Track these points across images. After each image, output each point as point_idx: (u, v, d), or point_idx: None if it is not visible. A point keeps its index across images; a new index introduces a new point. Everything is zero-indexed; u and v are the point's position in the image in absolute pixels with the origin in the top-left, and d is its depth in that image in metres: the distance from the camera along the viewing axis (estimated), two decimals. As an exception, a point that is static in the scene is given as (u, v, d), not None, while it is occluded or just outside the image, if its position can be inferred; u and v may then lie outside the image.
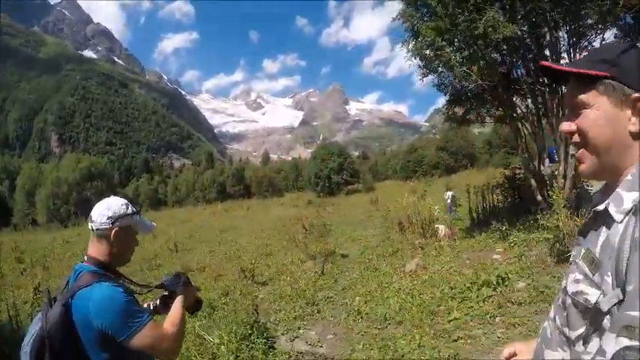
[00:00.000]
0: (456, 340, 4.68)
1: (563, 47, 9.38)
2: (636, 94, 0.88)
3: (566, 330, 0.96)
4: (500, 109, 11.17)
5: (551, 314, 1.06)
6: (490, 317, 5.14)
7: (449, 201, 15.37)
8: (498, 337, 4.56)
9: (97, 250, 1.74)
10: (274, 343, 5.60)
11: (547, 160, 9.95)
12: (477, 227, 11.36)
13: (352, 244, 13.58)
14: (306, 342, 5.77)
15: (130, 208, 1.81)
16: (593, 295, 0.87)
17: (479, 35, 8.07)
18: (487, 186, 13.74)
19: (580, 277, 0.92)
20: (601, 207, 0.92)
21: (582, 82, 0.93)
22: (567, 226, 6.12)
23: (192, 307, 2.03)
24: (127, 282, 1.81)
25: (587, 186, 9.77)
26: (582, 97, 0.93)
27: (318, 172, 52.56)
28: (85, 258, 1.74)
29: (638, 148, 0.89)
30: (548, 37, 9.19)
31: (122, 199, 1.83)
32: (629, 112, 0.89)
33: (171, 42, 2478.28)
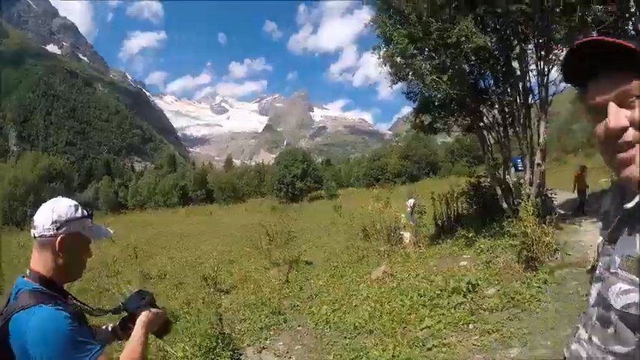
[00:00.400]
0: (430, 349, 4.58)
1: (532, 60, 9.66)
2: None
3: (616, 348, 0.82)
4: (468, 118, 11.36)
5: (583, 335, 0.93)
6: (463, 324, 5.09)
7: (409, 209, 15.47)
8: (474, 345, 4.50)
9: (39, 262, 1.43)
10: (240, 355, 5.33)
11: (512, 169, 10.18)
12: (442, 234, 11.49)
13: (316, 251, 13.46)
14: (274, 353, 5.54)
15: (79, 210, 1.49)
16: None
17: (451, 44, 8.17)
18: (451, 194, 13.91)
19: (628, 287, 0.79)
20: (631, 203, 0.80)
21: (625, 70, 0.77)
22: (536, 232, 6.16)
23: (161, 330, 1.71)
24: (75, 304, 1.50)
25: (551, 194, 10.09)
26: (630, 83, 0.76)
27: (282, 178, 52.36)
28: (27, 272, 1.43)
29: None
30: (517, 50, 9.44)
31: (71, 201, 1.52)
32: None
33: (138, 41, 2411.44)
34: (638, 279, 0.78)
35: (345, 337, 5.67)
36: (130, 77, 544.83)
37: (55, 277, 1.42)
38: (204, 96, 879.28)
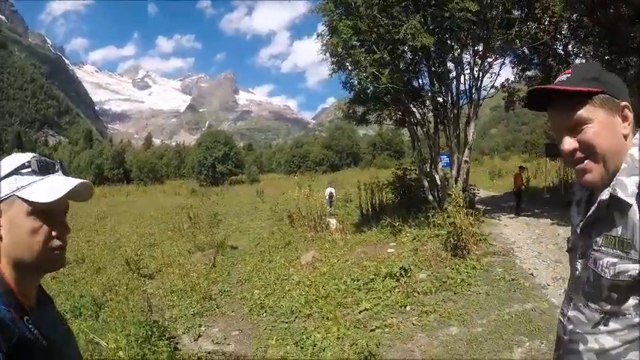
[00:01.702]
0: (373, 330, 4.77)
1: (468, 64, 10.37)
2: (623, 102, 1.05)
3: (609, 307, 1.07)
4: (400, 113, 11.84)
5: (579, 302, 1.16)
6: (400, 306, 5.36)
7: (327, 198, 15.82)
8: (414, 324, 4.77)
9: None
10: (177, 343, 5.10)
11: (440, 164, 10.82)
12: (367, 223, 11.83)
13: (241, 235, 13.30)
14: (212, 340, 5.39)
15: (10, 161, 0.98)
16: (634, 269, 0.99)
17: (397, 40, 8.42)
18: (377, 184, 14.43)
19: (614, 259, 1.03)
20: (604, 196, 1.05)
21: (576, 100, 1.05)
22: (464, 223, 6.62)
23: None
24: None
25: (475, 189, 10.91)
26: (582, 112, 1.04)
27: (203, 160, 50.69)
28: None
29: (627, 145, 1.06)
30: (455, 55, 10.02)
31: (24, 155, 1.01)
32: (619, 118, 1.05)
33: (63, 4, 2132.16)
34: (621, 252, 1.02)
35: (283, 321, 5.68)
36: (49, 42, 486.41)
37: (10, 271, 0.95)
38: (127, 69, 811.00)
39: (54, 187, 0.96)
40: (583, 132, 1.04)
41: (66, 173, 1.02)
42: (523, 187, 13.20)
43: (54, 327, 1.04)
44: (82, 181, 1.01)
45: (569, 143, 1.06)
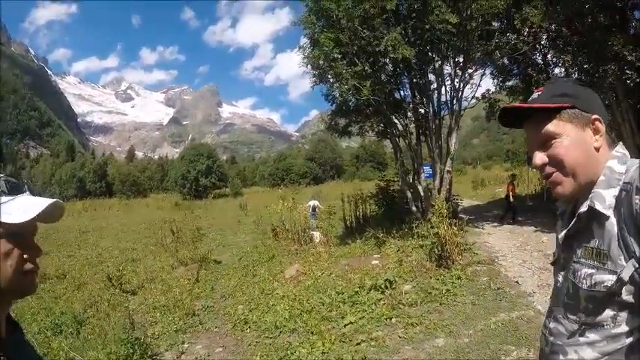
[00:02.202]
0: (359, 344, 4.67)
1: (448, 76, 10.52)
2: (594, 116, 1.08)
3: (588, 319, 1.09)
4: (382, 125, 11.93)
5: (558, 314, 1.18)
6: (386, 319, 5.28)
7: (310, 211, 15.77)
8: (400, 337, 4.69)
9: None
10: (160, 361, 4.91)
11: (423, 175, 10.89)
12: (351, 235, 11.81)
13: (224, 249, 13.18)
14: (195, 358, 5.24)
15: None
16: (609, 280, 1.01)
17: (378, 52, 8.51)
18: (360, 196, 14.45)
19: (592, 270, 1.06)
20: (583, 209, 1.08)
21: (545, 116, 1.09)
22: (448, 233, 6.63)
23: None
24: None
25: (458, 199, 10.99)
26: (549, 127, 1.08)
27: (186, 174, 50.27)
28: None
29: (601, 158, 1.08)
30: (436, 66, 10.18)
31: None
32: (590, 131, 1.08)
33: (46, 12, 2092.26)
34: (597, 263, 1.04)
35: (268, 337, 5.55)
36: (32, 52, 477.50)
37: None
38: (110, 81, 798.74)
39: (25, 207, 0.92)
40: (552, 147, 1.08)
41: (33, 194, 0.98)
42: (513, 195, 13.19)
43: (24, 355, 1.00)
44: (54, 200, 0.97)
45: (539, 158, 1.11)
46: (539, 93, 1.13)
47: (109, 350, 4.46)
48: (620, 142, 1.13)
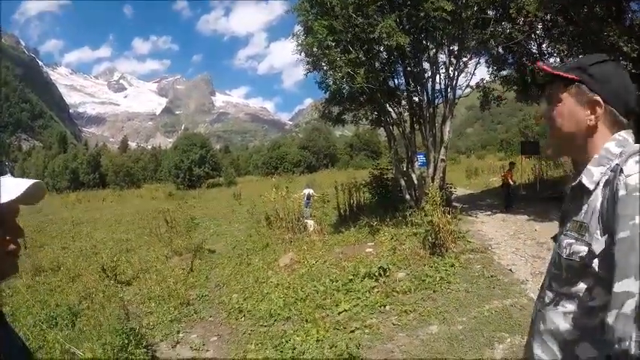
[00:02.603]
0: (353, 331, 4.70)
1: (443, 64, 10.47)
2: (594, 97, 1.15)
3: (564, 289, 1.17)
4: (376, 113, 11.87)
5: (546, 284, 1.28)
6: (380, 306, 5.31)
7: (305, 199, 15.77)
8: (394, 324, 4.72)
9: None
10: (155, 351, 4.97)
11: (417, 163, 10.88)
12: (345, 223, 11.82)
13: (218, 238, 13.17)
14: (190, 347, 5.27)
15: None
16: (583, 251, 1.10)
17: (372, 39, 8.43)
18: (354, 184, 14.45)
19: (571, 241, 1.15)
20: (574, 183, 1.18)
21: (559, 82, 1.22)
22: (441, 221, 6.65)
23: None
24: None
25: (451, 188, 11.00)
26: (557, 92, 1.22)
27: (179, 164, 50.03)
28: None
29: (598, 137, 1.17)
30: (431, 54, 10.11)
31: None
32: (587, 110, 1.16)
33: (37, 4, 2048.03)
34: (577, 235, 1.13)
35: (262, 325, 5.59)
36: (23, 44, 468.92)
37: None
38: (103, 71, 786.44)
39: (8, 188, 0.91)
40: (554, 108, 1.23)
41: (13, 175, 0.98)
42: (512, 183, 13.16)
43: (10, 343, 0.97)
44: (36, 181, 0.96)
45: (543, 108, 1.30)
46: (571, 60, 1.31)
47: (104, 341, 4.47)
48: (630, 130, 1.19)
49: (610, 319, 0.95)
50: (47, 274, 9.39)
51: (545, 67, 1.27)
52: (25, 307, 6.69)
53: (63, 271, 9.54)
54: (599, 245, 1.06)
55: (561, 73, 1.21)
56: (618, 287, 0.95)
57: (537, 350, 1.24)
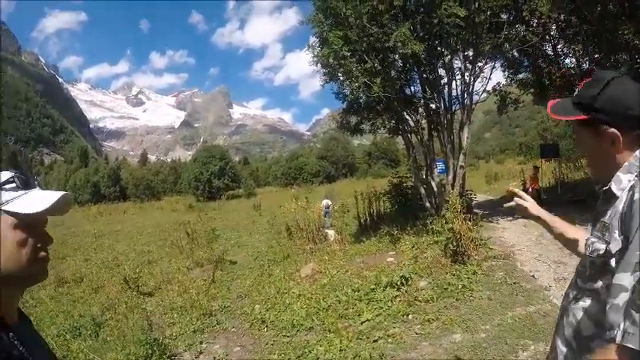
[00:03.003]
0: (376, 341, 4.68)
1: (458, 70, 10.43)
2: (609, 131, 1.20)
3: (587, 285, 1.25)
4: (393, 121, 11.88)
5: (573, 281, 1.37)
6: (402, 315, 5.27)
7: (323, 210, 15.78)
8: (417, 333, 4.68)
9: None
10: (178, 362, 4.98)
11: (436, 170, 10.83)
12: (366, 232, 11.79)
13: (239, 250, 13.22)
14: (213, 357, 5.29)
15: (4, 178, 1.00)
16: (602, 248, 1.17)
17: (387, 48, 8.48)
18: (374, 193, 14.42)
19: (595, 239, 1.23)
20: (605, 187, 1.24)
21: (577, 122, 1.29)
22: (462, 228, 6.59)
23: None
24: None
25: (471, 194, 10.89)
26: (577, 131, 1.31)
27: (199, 176, 50.70)
28: None
29: (627, 154, 1.22)
30: (446, 61, 10.10)
31: None
32: (609, 141, 1.21)
33: (56, 21, 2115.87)
34: (600, 234, 1.20)
35: (285, 336, 5.59)
36: (42, 60, 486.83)
37: None
38: (121, 86, 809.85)
39: (39, 199, 0.99)
40: (579, 145, 1.35)
41: (42, 188, 1.05)
42: (537, 187, 12.99)
43: (36, 345, 1.04)
44: (64, 193, 1.04)
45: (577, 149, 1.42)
46: (578, 90, 1.28)
47: (128, 351, 4.54)
48: None
49: (607, 308, 1.06)
50: (70, 285, 9.55)
51: (554, 116, 1.34)
52: (49, 318, 6.81)
53: (86, 283, 9.72)
54: (615, 244, 1.13)
55: (570, 118, 1.28)
56: (616, 279, 1.06)
57: (559, 344, 1.35)
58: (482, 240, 7.53)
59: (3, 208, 0.95)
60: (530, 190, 12.93)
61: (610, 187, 1.21)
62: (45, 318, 6.80)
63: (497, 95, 12.91)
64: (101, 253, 14.23)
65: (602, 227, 1.21)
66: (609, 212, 1.21)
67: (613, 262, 1.13)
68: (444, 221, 7.37)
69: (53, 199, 1.00)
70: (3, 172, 1.00)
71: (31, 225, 0.99)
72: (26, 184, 1.02)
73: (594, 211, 1.33)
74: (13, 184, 0.99)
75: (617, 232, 1.14)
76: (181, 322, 6.61)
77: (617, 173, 1.21)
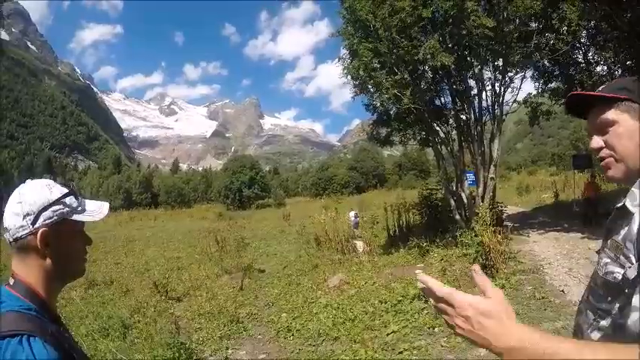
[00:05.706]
0: (401, 352, 4.67)
1: (488, 80, 10.34)
2: None
3: (601, 304, 1.14)
4: (424, 132, 11.84)
5: (584, 297, 1.26)
6: (429, 328, 5.24)
7: (352, 220, 15.74)
8: (442, 346, 4.65)
9: (23, 269, 1.09)
10: (204, 366, 5.10)
11: (466, 182, 10.70)
12: (395, 244, 11.71)
13: (268, 259, 13.36)
14: (239, 363, 5.36)
15: (55, 189, 1.13)
16: (618, 272, 1.06)
17: (417, 60, 8.51)
18: (403, 205, 14.33)
19: (608, 260, 1.12)
20: (620, 204, 1.14)
21: (605, 106, 1.15)
22: (492, 242, 6.49)
23: None
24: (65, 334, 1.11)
25: (502, 206, 10.68)
26: (607, 114, 1.14)
27: (229, 185, 51.58)
28: (11, 281, 1.09)
29: None
30: (475, 71, 10.03)
31: (41, 180, 1.17)
32: None
33: (92, 33, 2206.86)
34: (613, 255, 1.10)
35: (310, 345, 5.63)
36: (78, 71, 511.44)
37: (46, 285, 1.09)
38: (154, 96, 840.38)
39: (96, 209, 1.20)
40: (609, 133, 1.15)
41: (79, 195, 1.21)
42: (593, 197, 12.32)
43: (72, 342, 1.17)
44: (107, 203, 1.25)
45: (596, 141, 1.18)
46: (602, 87, 1.19)
47: (156, 353, 4.67)
48: None
49: (628, 323, 1.02)
50: (100, 287, 9.85)
51: (583, 92, 1.20)
52: (79, 318, 7.06)
53: (115, 286, 10.00)
54: (632, 271, 1.04)
55: (606, 94, 1.14)
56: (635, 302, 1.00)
57: None
58: (511, 253, 7.39)
59: (68, 217, 1.12)
60: (583, 200, 12.60)
61: (624, 204, 1.11)
62: (74, 318, 7.04)
63: (528, 106, 12.66)
64: (131, 258, 14.64)
65: (615, 247, 1.11)
66: (622, 231, 1.12)
67: (629, 289, 1.05)
68: (474, 234, 7.28)
69: (106, 209, 1.21)
70: (61, 186, 1.17)
71: (81, 230, 1.18)
72: (78, 195, 1.19)
73: (605, 226, 1.25)
74: (72, 197, 1.15)
75: (632, 257, 1.05)
76: (208, 327, 6.73)
77: (632, 189, 1.10)
